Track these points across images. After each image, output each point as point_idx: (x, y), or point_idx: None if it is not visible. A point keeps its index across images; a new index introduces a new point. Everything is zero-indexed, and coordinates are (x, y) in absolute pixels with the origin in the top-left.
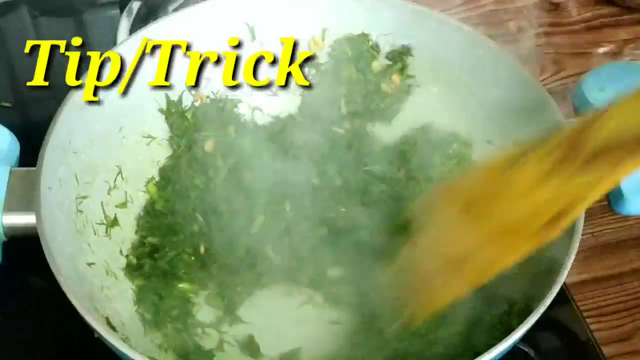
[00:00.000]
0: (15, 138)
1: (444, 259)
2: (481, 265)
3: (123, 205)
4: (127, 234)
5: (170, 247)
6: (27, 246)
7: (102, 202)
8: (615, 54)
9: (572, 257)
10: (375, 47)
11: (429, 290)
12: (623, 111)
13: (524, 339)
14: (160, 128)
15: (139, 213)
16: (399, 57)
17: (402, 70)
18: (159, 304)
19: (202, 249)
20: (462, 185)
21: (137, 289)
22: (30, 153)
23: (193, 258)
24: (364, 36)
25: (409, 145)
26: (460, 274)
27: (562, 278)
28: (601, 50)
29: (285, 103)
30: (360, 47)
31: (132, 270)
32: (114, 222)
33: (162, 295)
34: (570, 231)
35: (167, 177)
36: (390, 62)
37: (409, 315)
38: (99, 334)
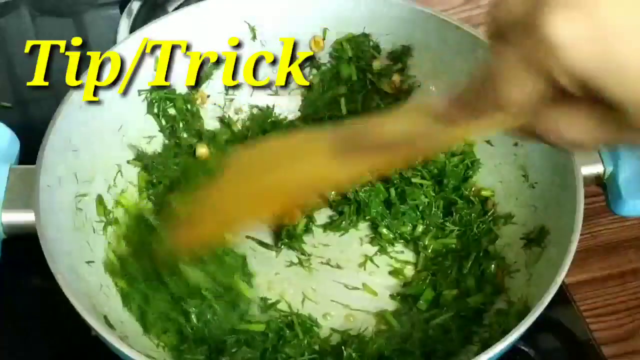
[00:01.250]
0: (15, 136)
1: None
2: (234, 216)
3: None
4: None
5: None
6: (26, 244)
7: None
8: None
9: (571, 257)
10: (376, 47)
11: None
12: (398, 120)
13: (524, 339)
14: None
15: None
16: (399, 57)
17: (402, 70)
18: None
19: None
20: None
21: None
22: (30, 152)
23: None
24: (365, 36)
25: None
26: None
27: (560, 278)
28: None
29: (285, 103)
30: (361, 47)
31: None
32: (114, 221)
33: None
34: (569, 231)
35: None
36: (391, 63)
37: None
38: (96, 332)
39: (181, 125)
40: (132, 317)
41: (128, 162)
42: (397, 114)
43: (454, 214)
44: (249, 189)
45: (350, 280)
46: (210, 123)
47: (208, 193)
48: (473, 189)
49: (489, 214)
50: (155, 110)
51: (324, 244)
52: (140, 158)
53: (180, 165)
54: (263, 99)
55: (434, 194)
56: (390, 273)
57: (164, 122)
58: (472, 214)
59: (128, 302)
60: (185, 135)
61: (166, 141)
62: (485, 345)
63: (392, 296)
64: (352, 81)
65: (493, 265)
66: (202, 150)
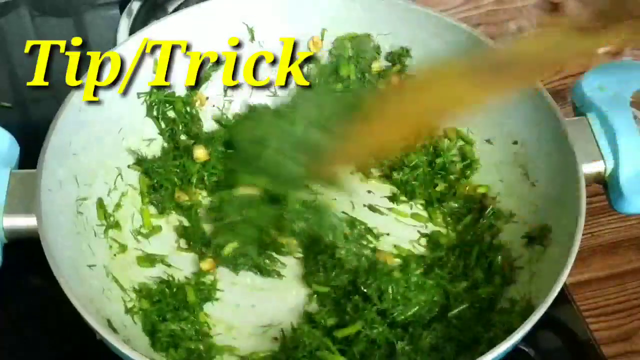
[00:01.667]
0: (15, 140)
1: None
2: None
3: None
4: (127, 235)
5: None
6: (27, 248)
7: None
8: (615, 54)
9: (573, 256)
10: (377, 49)
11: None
12: (528, 44)
13: (524, 338)
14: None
15: None
16: (398, 58)
17: (400, 72)
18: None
19: None
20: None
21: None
22: (30, 154)
23: None
24: (367, 36)
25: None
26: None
27: (564, 277)
28: (601, 50)
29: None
30: (362, 47)
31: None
32: (115, 224)
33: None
34: (572, 230)
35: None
36: (390, 64)
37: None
38: (101, 336)
39: (180, 127)
40: (135, 323)
41: (128, 166)
42: (536, 34)
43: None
44: (396, 113)
45: None
46: (210, 125)
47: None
48: (468, 188)
49: (488, 209)
50: (155, 113)
51: None
52: (140, 163)
53: (181, 168)
54: (262, 100)
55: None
56: None
57: (163, 125)
58: (470, 211)
59: (144, 321)
60: (184, 137)
61: (165, 144)
62: (491, 345)
63: None
64: (350, 80)
65: (499, 257)
66: (200, 151)
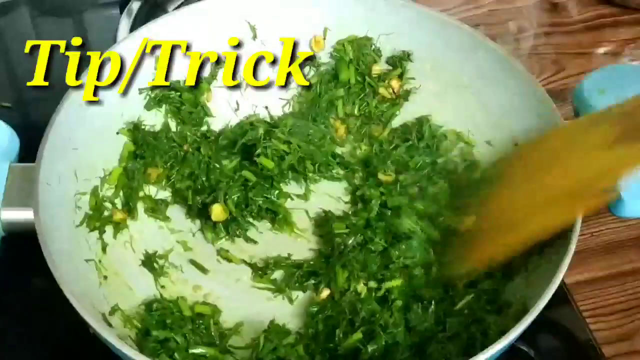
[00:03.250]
0: (15, 134)
1: (509, 216)
2: (540, 223)
3: None
4: None
5: None
6: (27, 245)
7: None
8: (615, 54)
9: (569, 259)
10: (378, 52)
11: (491, 244)
12: None
13: (524, 339)
14: (159, 124)
15: None
16: (399, 62)
17: (401, 75)
18: None
19: None
20: (534, 149)
21: None
22: (30, 150)
23: None
24: (368, 39)
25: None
26: (520, 230)
27: (558, 280)
28: (601, 50)
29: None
30: (363, 50)
31: None
32: None
33: None
34: (567, 232)
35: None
36: (390, 67)
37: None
38: (94, 330)
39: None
40: None
41: (117, 133)
42: None
43: None
44: (531, 193)
45: None
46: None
47: (491, 204)
48: None
49: None
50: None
51: None
52: (133, 130)
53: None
54: (262, 99)
55: None
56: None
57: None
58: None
59: None
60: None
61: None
62: (483, 346)
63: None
64: (350, 84)
65: None
66: (218, 210)
